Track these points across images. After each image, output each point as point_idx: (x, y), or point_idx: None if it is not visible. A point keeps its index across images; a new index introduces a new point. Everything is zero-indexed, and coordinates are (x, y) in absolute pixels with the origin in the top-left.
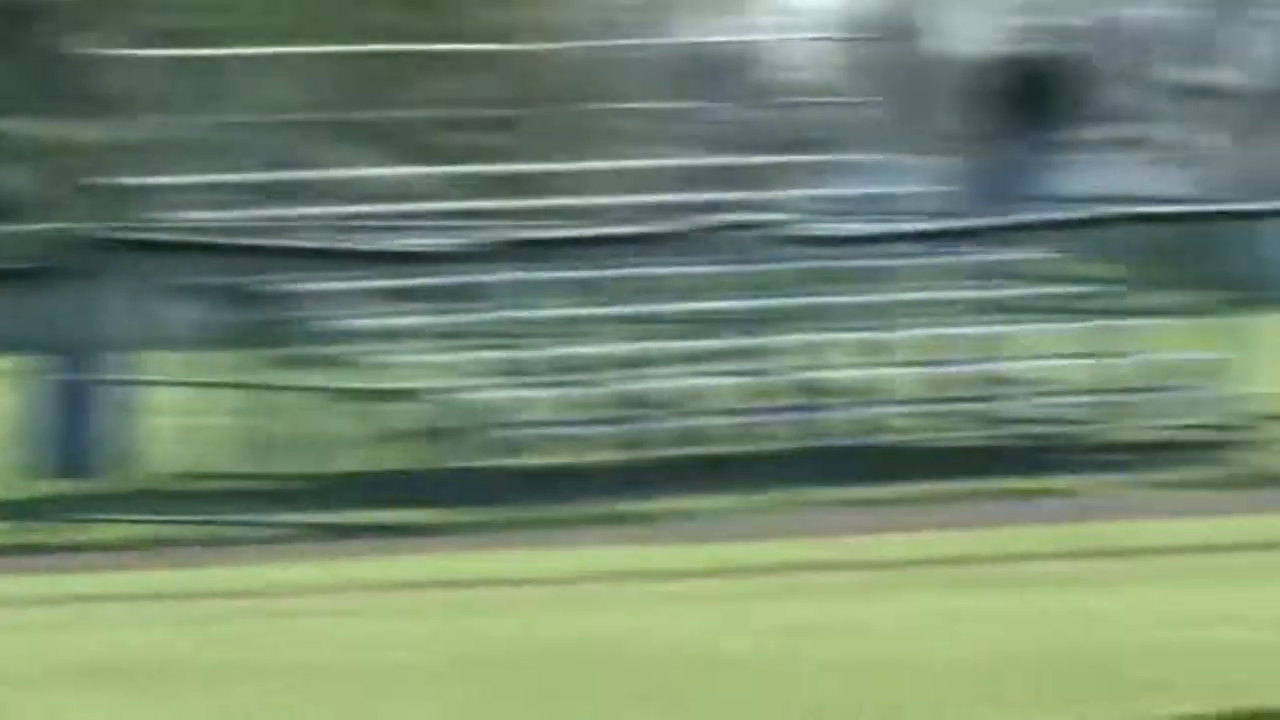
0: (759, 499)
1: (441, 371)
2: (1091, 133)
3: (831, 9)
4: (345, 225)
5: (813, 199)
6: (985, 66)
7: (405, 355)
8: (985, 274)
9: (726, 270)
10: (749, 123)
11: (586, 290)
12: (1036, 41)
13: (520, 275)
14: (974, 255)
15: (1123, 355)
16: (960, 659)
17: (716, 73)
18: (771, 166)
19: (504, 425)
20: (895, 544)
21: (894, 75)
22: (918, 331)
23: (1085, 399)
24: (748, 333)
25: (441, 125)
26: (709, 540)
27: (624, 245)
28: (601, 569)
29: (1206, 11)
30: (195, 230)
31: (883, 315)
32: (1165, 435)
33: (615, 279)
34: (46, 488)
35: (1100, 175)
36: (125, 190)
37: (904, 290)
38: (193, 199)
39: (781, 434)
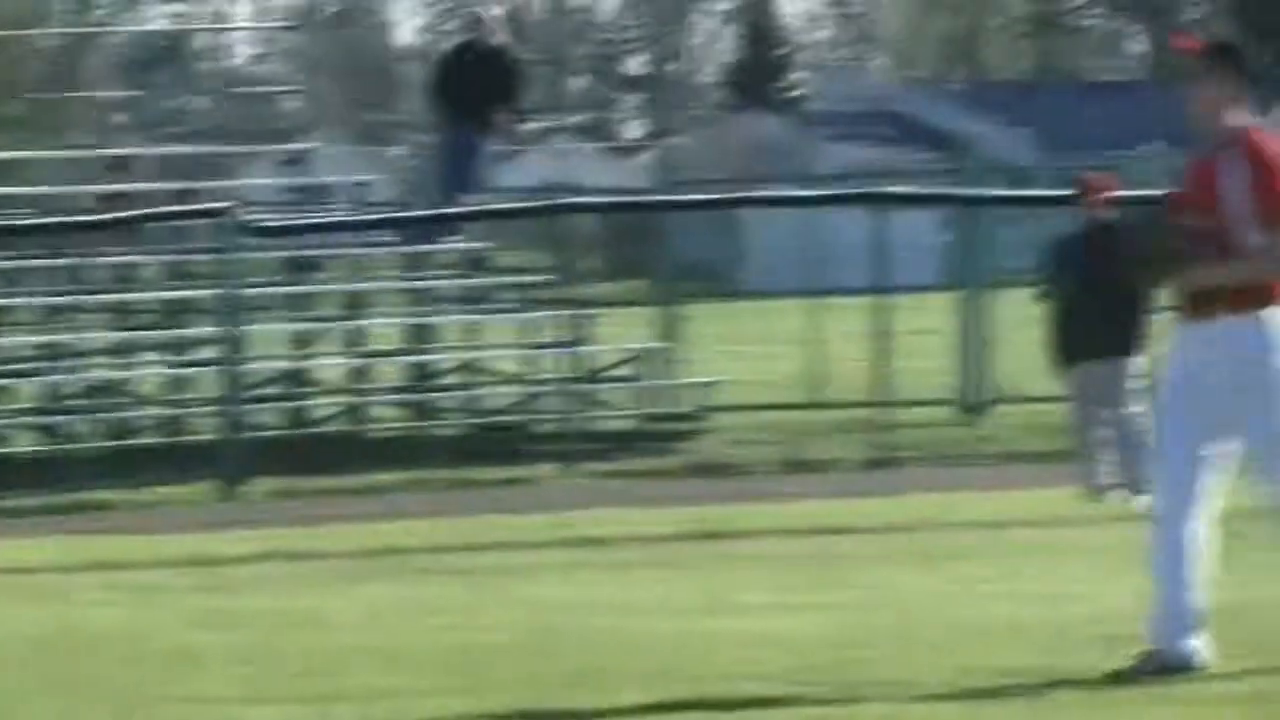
0: (243, 489)
1: None
2: (541, 122)
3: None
4: None
5: (266, 189)
6: (430, 56)
7: None
8: (424, 265)
9: (179, 259)
10: (205, 112)
11: (56, 279)
12: (481, 30)
13: None
14: (413, 246)
15: (568, 345)
16: (413, 647)
17: (168, 62)
18: (227, 155)
19: None
20: (358, 534)
21: (343, 65)
22: (359, 324)
23: (536, 389)
24: (195, 323)
25: None
26: (185, 530)
27: (87, 233)
28: (67, 559)
29: (656, 4)
30: None
31: (320, 306)
32: (616, 425)
33: (85, 267)
34: None
35: (550, 165)
36: None
37: (346, 281)
38: None
39: (259, 424)
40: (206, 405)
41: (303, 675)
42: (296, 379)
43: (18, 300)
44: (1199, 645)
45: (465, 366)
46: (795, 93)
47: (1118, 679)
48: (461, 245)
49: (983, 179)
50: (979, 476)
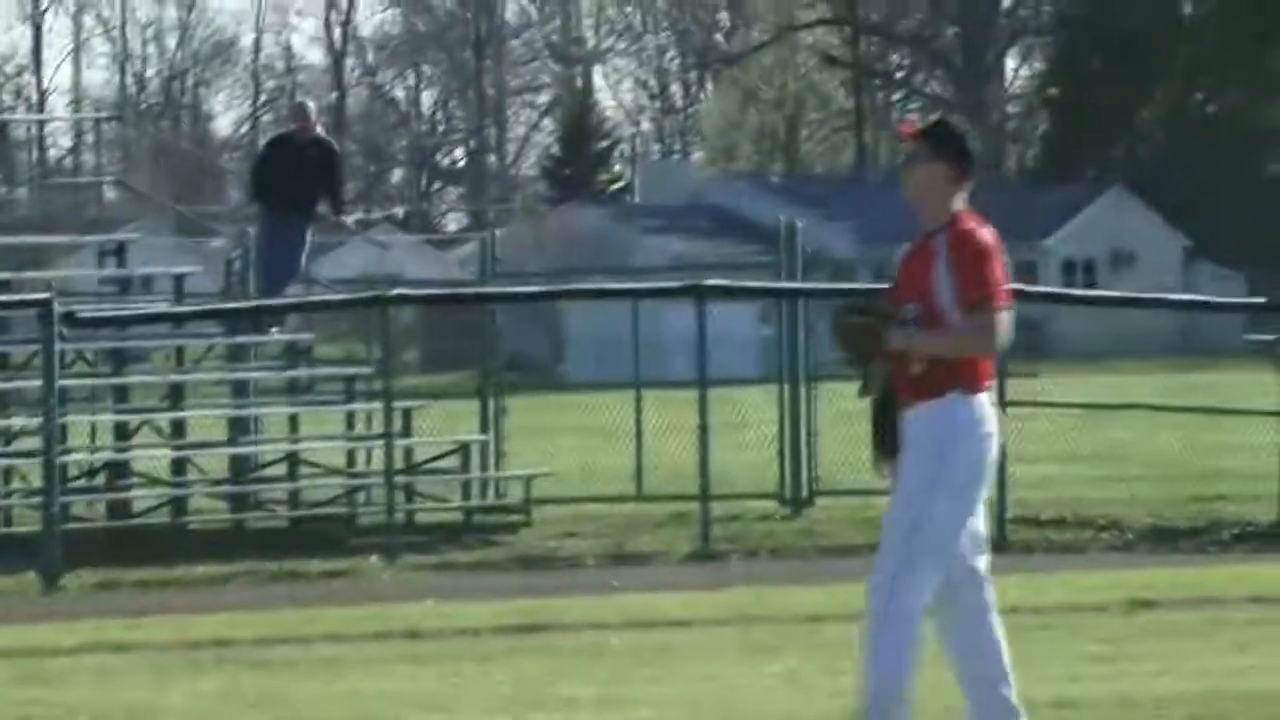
0: (64, 580)
1: None
2: (360, 214)
3: (100, 89)
4: None
5: (86, 279)
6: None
7: None
8: (246, 356)
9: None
10: (23, 201)
11: None
12: (301, 121)
13: None
14: (233, 338)
15: (391, 437)
16: None
17: None
18: (46, 246)
19: None
20: (181, 626)
21: (160, 154)
22: (201, 413)
23: (359, 481)
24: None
25: None
26: (5, 621)
27: None
28: None
29: (475, 96)
30: None
31: (142, 396)
32: (439, 518)
33: None
34: None
35: (369, 256)
36: None
37: (174, 372)
38: None
39: (80, 515)
40: (27, 496)
41: None
42: (118, 470)
43: None
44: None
45: (288, 458)
46: (616, 185)
47: None
48: (283, 336)
49: (804, 272)
50: (800, 570)
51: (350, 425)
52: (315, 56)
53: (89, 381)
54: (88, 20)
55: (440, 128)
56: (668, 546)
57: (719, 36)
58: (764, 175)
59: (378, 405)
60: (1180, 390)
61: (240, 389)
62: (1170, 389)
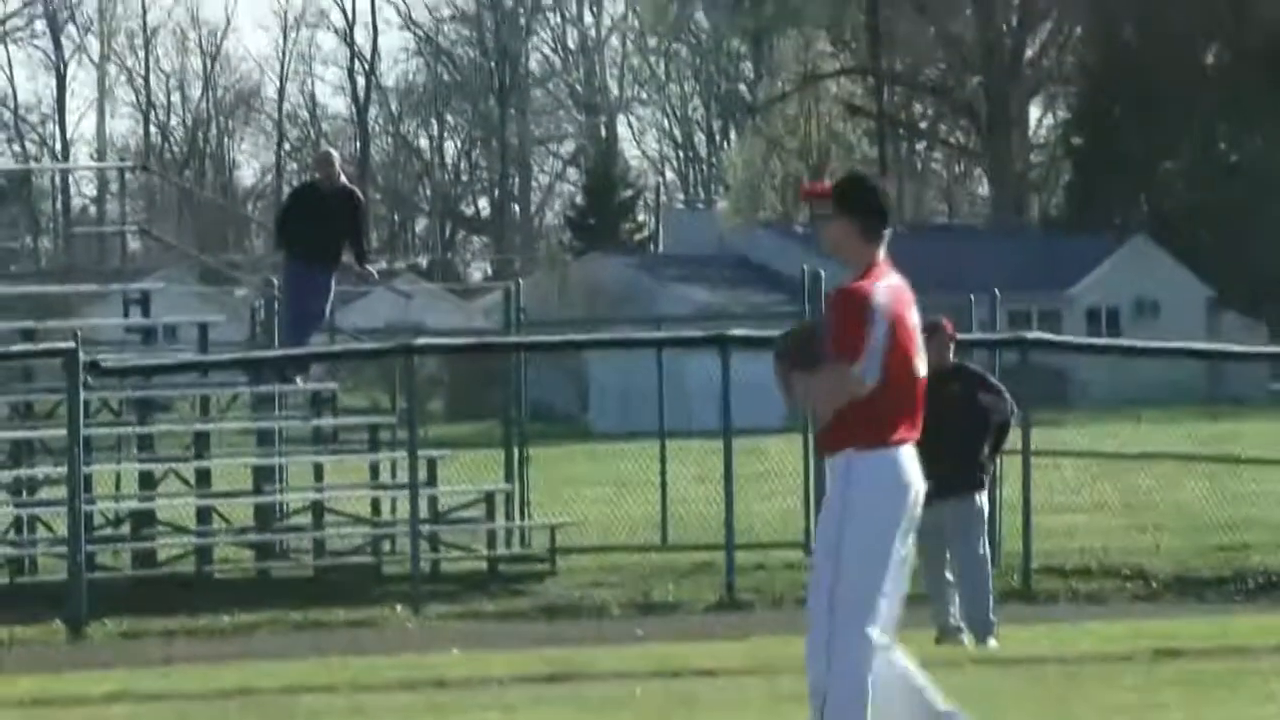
0: (89, 629)
1: None
2: (385, 263)
3: (124, 138)
4: None
5: (111, 328)
6: (276, 195)
7: None
8: (271, 405)
9: (24, 399)
10: (48, 251)
11: None
12: (326, 171)
13: None
14: (258, 386)
15: (418, 486)
16: None
17: (11, 201)
18: (71, 295)
19: None
20: (206, 675)
21: (185, 203)
22: (226, 461)
23: (384, 530)
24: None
25: None
26: (31, 670)
27: None
28: None
29: (500, 146)
30: None
31: (167, 445)
32: (464, 567)
33: None
34: None
35: (394, 306)
36: None
37: (199, 421)
38: None
39: (105, 564)
40: (53, 545)
41: None
42: (143, 519)
43: None
44: None
45: (313, 507)
46: (640, 235)
47: None
48: (308, 386)
49: None
50: None
51: (375, 474)
52: (339, 106)
53: (114, 430)
54: (111, 69)
55: (464, 177)
56: (693, 596)
57: (743, 86)
58: (788, 225)
59: (402, 454)
60: (1205, 439)
61: (265, 438)
62: (1195, 438)
